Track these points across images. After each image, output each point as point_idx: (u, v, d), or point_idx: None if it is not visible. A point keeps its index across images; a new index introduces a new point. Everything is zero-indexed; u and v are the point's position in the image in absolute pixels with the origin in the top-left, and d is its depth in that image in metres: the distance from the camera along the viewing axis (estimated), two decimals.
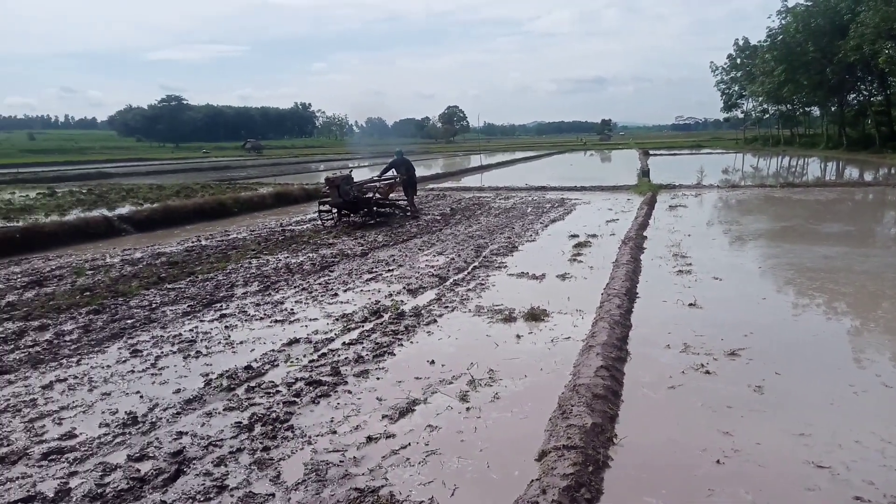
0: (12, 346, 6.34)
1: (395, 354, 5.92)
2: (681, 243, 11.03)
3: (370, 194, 15.45)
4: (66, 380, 5.46)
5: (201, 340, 6.46)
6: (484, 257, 10.39)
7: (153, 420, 4.66)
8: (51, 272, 9.87)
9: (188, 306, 7.74)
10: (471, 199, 19.83)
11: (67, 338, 6.59)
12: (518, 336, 6.36)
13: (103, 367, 5.76)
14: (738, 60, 63.48)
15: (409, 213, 16.26)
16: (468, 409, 4.69)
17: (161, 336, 6.62)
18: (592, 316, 6.78)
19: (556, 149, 71.96)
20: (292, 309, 7.53)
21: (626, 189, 21.75)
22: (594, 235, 12.24)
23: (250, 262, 10.42)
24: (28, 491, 3.73)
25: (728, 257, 10.01)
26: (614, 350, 5.62)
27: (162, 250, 11.81)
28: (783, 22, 45.40)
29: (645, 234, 12.22)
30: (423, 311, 7.25)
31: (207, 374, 5.52)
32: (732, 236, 12.08)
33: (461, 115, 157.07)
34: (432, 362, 5.66)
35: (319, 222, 15.02)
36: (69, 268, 10.19)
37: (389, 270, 9.56)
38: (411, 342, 6.27)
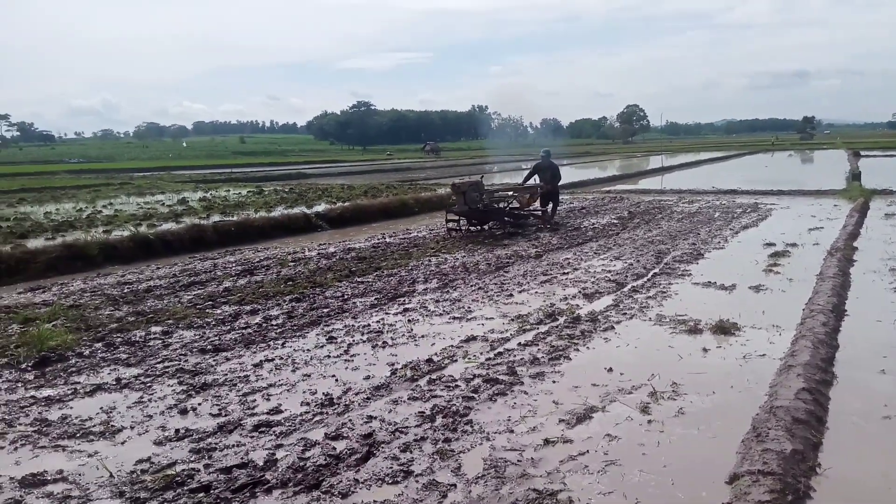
0: (229, 327, 7.20)
1: (570, 359, 5.87)
2: None
3: (504, 203, 14.40)
4: (273, 360, 6.09)
5: (387, 332, 6.87)
6: (665, 264, 9.93)
7: (347, 403, 5.05)
8: (259, 262, 11.05)
9: (375, 299, 8.26)
10: (650, 203, 19.02)
11: (274, 322, 7.34)
12: (704, 349, 6.01)
13: (304, 351, 6.35)
14: None
15: (545, 224, 14.72)
16: (650, 421, 4.53)
17: (352, 325, 7.14)
18: (792, 333, 6.21)
19: (748, 149, 66.56)
20: (469, 307, 7.75)
21: (831, 194, 19.58)
22: (794, 244, 11.18)
23: (429, 260, 10.87)
24: (242, 458, 4.21)
25: None
26: (818, 372, 5.10)
27: (352, 246, 12.71)
28: None
29: (855, 244, 10.93)
30: (599, 317, 7.11)
31: (393, 364, 5.87)
32: None
33: (641, 113, 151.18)
34: (610, 370, 5.54)
35: (447, 232, 13.87)
36: (274, 259, 11.33)
37: (564, 273, 9.48)
38: (588, 348, 6.18)
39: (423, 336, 6.70)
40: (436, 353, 6.09)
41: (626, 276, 9.08)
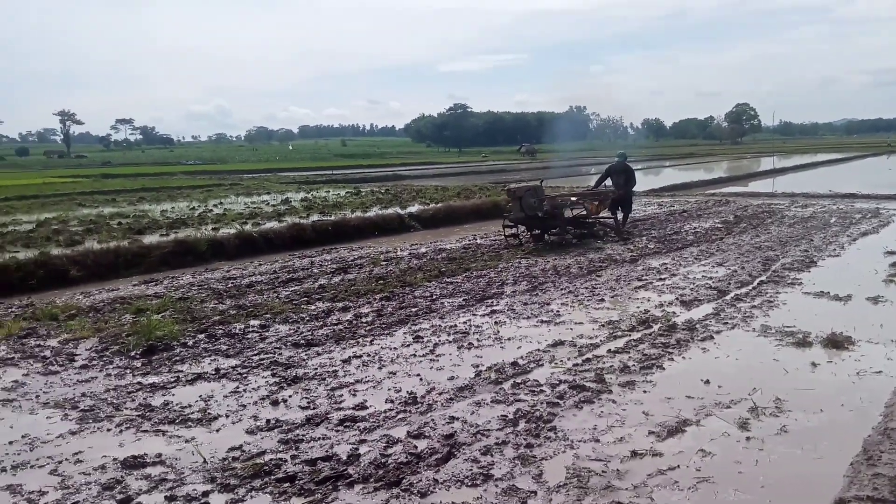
0: (321, 322, 7.41)
1: (664, 368, 5.61)
2: None
3: (567, 210, 12.99)
4: (361, 356, 6.20)
5: (473, 333, 6.84)
6: (773, 271, 9.32)
7: (430, 402, 5.05)
8: (353, 261, 11.32)
9: (463, 300, 8.25)
10: (759, 206, 17.96)
11: (364, 319, 7.48)
12: (813, 364, 5.58)
13: (391, 349, 6.42)
14: None
15: (614, 234, 13.48)
16: (748, 438, 4.24)
17: (439, 325, 7.17)
18: None
19: (871, 150, 61.60)
20: (558, 311, 7.59)
21: None
22: None
23: (520, 262, 10.75)
24: (326, 451, 4.30)
25: None
26: None
27: (443, 246, 12.79)
28: None
29: None
30: (697, 326, 6.76)
31: (478, 366, 5.82)
32: None
33: (751, 112, 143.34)
34: (707, 382, 5.24)
35: (504, 240, 12.63)
36: (367, 258, 11.58)
37: (661, 279, 9.10)
38: (683, 357, 5.89)
39: (509, 339, 6.62)
40: (521, 357, 6.00)
41: (729, 284, 8.60)
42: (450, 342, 6.56)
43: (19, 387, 5.65)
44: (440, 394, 5.22)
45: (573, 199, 13.72)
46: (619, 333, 6.61)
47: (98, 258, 10.82)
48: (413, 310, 7.84)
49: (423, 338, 6.72)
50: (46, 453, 4.40)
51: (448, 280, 9.47)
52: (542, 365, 5.79)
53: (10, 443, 4.55)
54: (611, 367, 5.63)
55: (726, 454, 4.04)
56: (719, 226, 14.43)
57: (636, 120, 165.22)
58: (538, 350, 6.19)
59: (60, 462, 4.26)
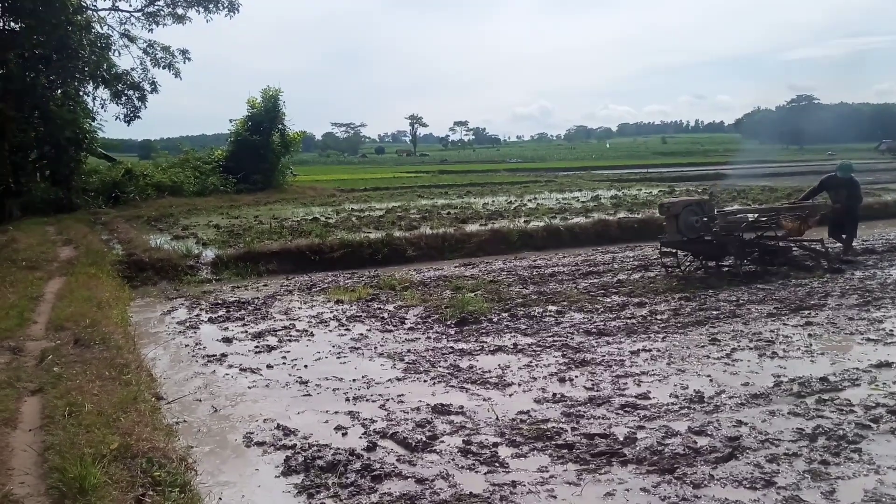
0: (615, 315, 7.57)
1: None
2: None
3: (748, 231, 9.80)
4: (650, 350, 6.24)
5: (780, 343, 6.34)
6: None
7: (717, 404, 4.92)
8: (655, 259, 11.12)
9: (774, 308, 7.64)
10: None
11: (659, 316, 7.44)
12: None
13: (683, 347, 6.33)
14: None
15: (829, 262, 9.87)
16: None
17: (740, 331, 6.79)
18: None
19: None
20: (892, 329, 6.57)
21: None
22: None
23: (853, 274, 9.42)
24: (604, 429, 4.53)
25: None
26: None
27: None
28: None
29: None
30: None
31: (779, 376, 5.43)
32: None
33: None
34: None
35: (664, 269, 9.94)
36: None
37: None
38: None
39: (822, 353, 6.00)
40: (834, 373, 5.42)
41: None
42: (750, 349, 6.20)
43: (363, 339, 7.00)
44: (730, 397, 5.04)
45: (757, 216, 10.24)
46: None
47: (429, 241, 12.53)
48: (714, 312, 7.53)
49: (720, 341, 6.46)
50: (378, 392, 5.44)
51: (760, 286, 8.80)
52: (859, 385, 5.17)
53: (354, 380, 5.73)
54: None
55: None
56: None
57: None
58: (856, 369, 5.51)
59: (387, 400, 5.24)
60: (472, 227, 13.82)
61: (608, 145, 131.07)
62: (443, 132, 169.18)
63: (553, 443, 4.34)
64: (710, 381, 5.42)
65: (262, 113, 25.67)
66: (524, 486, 3.81)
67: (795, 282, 8.91)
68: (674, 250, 9.89)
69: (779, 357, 5.95)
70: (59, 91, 19.86)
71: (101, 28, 21.08)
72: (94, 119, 21.27)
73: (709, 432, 4.42)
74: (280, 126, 26.11)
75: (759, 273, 9.53)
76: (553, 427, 4.57)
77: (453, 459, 4.16)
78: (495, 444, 4.36)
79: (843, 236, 10.87)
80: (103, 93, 21.82)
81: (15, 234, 13.16)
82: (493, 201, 20.04)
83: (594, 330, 6.94)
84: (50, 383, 4.89)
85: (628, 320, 7.31)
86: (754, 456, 4.04)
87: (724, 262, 9.92)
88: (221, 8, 22.56)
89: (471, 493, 3.72)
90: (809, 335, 6.56)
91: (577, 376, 5.60)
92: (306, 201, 21.78)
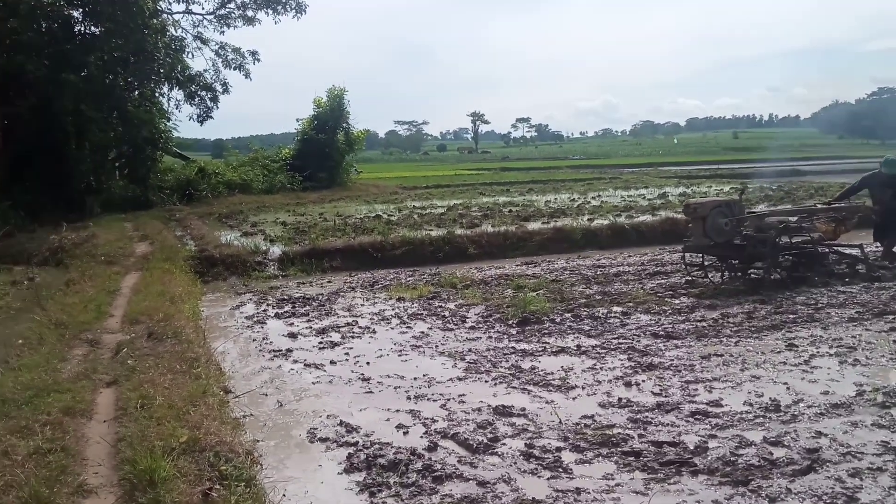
0: (684, 317, 7.32)
1: None
2: None
3: (782, 234, 8.67)
4: (722, 355, 6.00)
5: (862, 349, 5.99)
6: None
7: (795, 413, 4.69)
8: None
9: (856, 312, 7.22)
10: None
11: (731, 320, 7.14)
12: None
13: (758, 353, 6.05)
14: None
15: (868, 268, 9.03)
16: None
17: (819, 336, 6.45)
18: None
19: None
20: None
21: None
22: None
23: None
24: (674, 437, 4.37)
25: None
26: None
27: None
28: None
29: None
30: None
31: (861, 385, 5.13)
32: None
33: None
34: None
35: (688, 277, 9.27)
36: None
37: None
38: None
39: None
40: None
41: None
42: (830, 355, 5.88)
43: (424, 337, 7.00)
44: (809, 406, 4.78)
45: (792, 218, 9.03)
46: None
47: (490, 239, 12.46)
48: (791, 316, 7.18)
49: (797, 346, 6.15)
50: (439, 391, 5.42)
51: (841, 289, 8.34)
52: None
53: (415, 378, 5.74)
54: None
55: None
56: None
57: None
58: None
59: (448, 399, 5.22)
60: (533, 225, 13.66)
61: (676, 141, 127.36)
62: (504, 129, 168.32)
63: (619, 449, 4.22)
64: (787, 388, 5.17)
65: (328, 112, 26.18)
66: (589, 493, 3.72)
67: (878, 285, 8.39)
68: (702, 255, 9.18)
69: (861, 364, 5.62)
70: (137, 92, 20.69)
71: (176, 31, 21.82)
72: (169, 119, 22.18)
73: (786, 443, 4.21)
74: (345, 125, 26.61)
75: (789, 281, 8.65)
76: (619, 433, 4.45)
77: (515, 463, 4.10)
78: (558, 449, 4.27)
79: (881, 241, 9.86)
80: (178, 94, 22.63)
81: (95, 230, 13.82)
82: (556, 199, 19.77)
83: (662, 332, 6.73)
84: (124, 376, 5.10)
85: (698, 323, 7.05)
86: (835, 470, 3.82)
87: (753, 269, 9.05)
88: (290, 10, 23.03)
89: (533, 498, 3.66)
90: (894, 341, 6.17)
91: (643, 381, 5.43)
92: (369, 199, 22.05)
